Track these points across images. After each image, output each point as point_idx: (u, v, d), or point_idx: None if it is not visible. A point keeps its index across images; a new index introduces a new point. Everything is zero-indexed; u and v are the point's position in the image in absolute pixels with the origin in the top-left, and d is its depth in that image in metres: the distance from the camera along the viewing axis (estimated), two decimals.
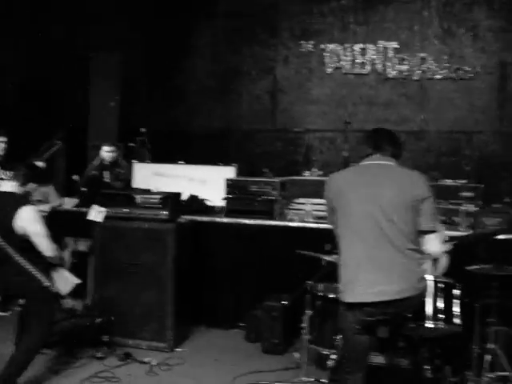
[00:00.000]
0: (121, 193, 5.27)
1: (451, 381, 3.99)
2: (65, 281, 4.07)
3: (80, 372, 4.26)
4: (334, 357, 3.56)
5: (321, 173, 7.08)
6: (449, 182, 6.24)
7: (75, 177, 5.87)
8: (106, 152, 6.36)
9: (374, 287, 2.77)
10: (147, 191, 5.17)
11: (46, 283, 3.86)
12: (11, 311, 5.29)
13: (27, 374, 3.96)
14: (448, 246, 3.72)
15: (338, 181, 3.06)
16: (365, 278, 2.79)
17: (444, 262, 3.73)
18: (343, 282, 2.90)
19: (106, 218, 4.92)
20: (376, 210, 2.82)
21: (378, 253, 2.80)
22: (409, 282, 2.81)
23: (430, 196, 2.88)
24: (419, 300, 2.97)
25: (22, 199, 3.95)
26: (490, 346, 3.81)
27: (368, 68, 7.52)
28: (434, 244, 2.89)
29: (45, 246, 3.86)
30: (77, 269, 5.68)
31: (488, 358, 3.77)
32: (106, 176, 6.37)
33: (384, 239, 2.80)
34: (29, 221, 3.79)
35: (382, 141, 3.05)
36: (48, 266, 3.97)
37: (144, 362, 4.46)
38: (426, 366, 3.33)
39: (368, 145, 3.07)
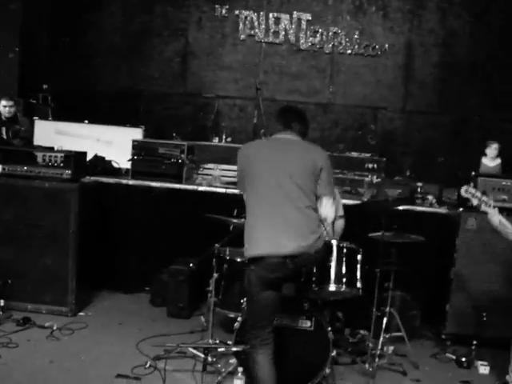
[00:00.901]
0: (20, 149, 4.98)
1: (351, 341, 4.20)
2: None
3: None
4: (239, 319, 3.59)
5: (229, 139, 7.08)
6: (354, 154, 6.46)
7: None
8: (4, 106, 5.99)
9: (274, 241, 2.98)
10: (49, 149, 4.90)
11: None
12: None
13: None
14: (341, 212, 4.12)
15: (249, 150, 3.27)
16: (266, 233, 3.01)
17: (340, 225, 4.10)
18: (247, 239, 3.10)
19: (3, 175, 4.63)
20: (281, 175, 3.08)
21: (280, 211, 3.04)
22: (306, 239, 3.02)
23: (329, 168, 3.14)
24: (316, 258, 3.13)
25: None
26: (387, 309, 4.05)
27: (281, 38, 7.56)
28: (327, 208, 3.13)
29: None
30: None
31: (385, 320, 4.00)
32: (4, 132, 6.00)
33: (286, 199, 3.05)
34: None
35: (292, 120, 3.26)
36: None
37: (44, 327, 4.29)
38: (327, 328, 3.45)
39: (278, 122, 3.27)
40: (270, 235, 3.00)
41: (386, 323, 4.01)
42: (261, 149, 3.26)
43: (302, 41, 7.50)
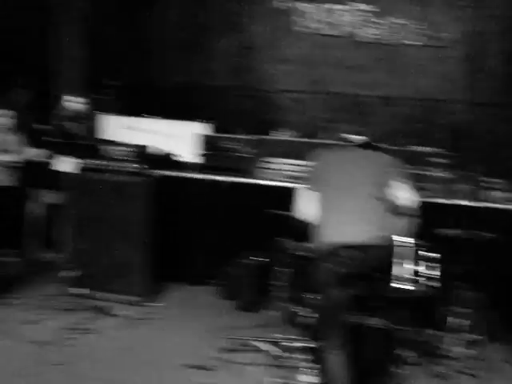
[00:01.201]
0: (90, 144, 5.14)
1: (422, 342, 4.13)
2: None
3: (52, 323, 4.22)
4: (307, 314, 3.61)
5: (291, 133, 7.07)
6: (418, 148, 6.34)
7: (41, 127, 5.67)
8: (74, 103, 6.18)
9: (344, 229, 3.07)
10: (118, 143, 5.05)
11: None
12: None
13: None
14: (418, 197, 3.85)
15: (325, 157, 3.50)
16: (336, 221, 3.12)
17: (414, 221, 3.86)
18: (318, 233, 3.19)
19: (75, 169, 4.80)
20: (355, 178, 3.25)
21: (352, 202, 3.16)
22: (378, 229, 3.09)
23: (399, 168, 3.38)
24: (387, 252, 3.11)
25: None
26: (458, 308, 3.96)
27: (342, 30, 7.47)
28: (406, 191, 3.25)
29: None
30: (46, 221, 5.62)
31: (458, 320, 3.92)
32: (74, 127, 6.20)
33: (359, 192, 3.17)
34: None
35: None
36: None
37: (116, 315, 4.44)
38: (400, 327, 3.42)
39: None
40: (338, 223, 3.12)
41: (460, 324, 3.94)
42: (335, 156, 3.51)
43: (363, 33, 7.38)
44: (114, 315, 4.46)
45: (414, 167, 5.51)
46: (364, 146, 3.55)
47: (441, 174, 5.20)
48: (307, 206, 3.41)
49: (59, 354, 3.75)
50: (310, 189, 3.46)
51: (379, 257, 3.15)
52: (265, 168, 5.63)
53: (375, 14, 7.31)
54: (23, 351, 3.75)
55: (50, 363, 3.62)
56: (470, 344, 4.09)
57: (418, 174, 5.36)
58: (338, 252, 3.02)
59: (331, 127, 7.13)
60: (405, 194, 3.28)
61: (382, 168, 3.35)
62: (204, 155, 5.36)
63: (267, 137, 6.64)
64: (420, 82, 7.26)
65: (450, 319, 3.87)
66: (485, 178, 4.99)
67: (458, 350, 3.96)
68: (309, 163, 3.54)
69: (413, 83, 7.27)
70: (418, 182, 5.14)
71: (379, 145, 3.73)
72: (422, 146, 6.42)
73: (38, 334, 4.02)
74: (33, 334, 4.01)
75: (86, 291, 4.71)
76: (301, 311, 3.97)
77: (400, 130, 7.24)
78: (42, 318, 4.33)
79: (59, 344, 3.89)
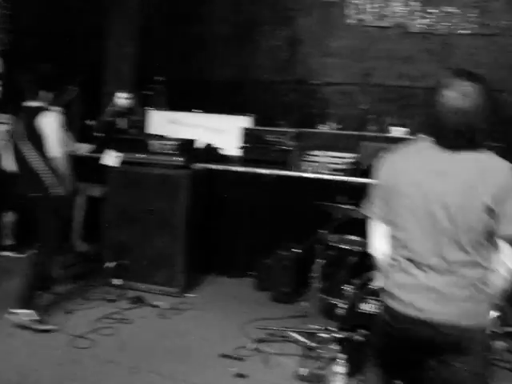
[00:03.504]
0: (136, 138, 5.26)
1: None
2: None
3: (93, 313, 4.34)
4: (341, 306, 3.57)
5: (337, 126, 6.99)
6: None
7: (90, 122, 5.84)
8: (122, 99, 6.32)
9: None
10: (162, 137, 5.14)
11: (54, 190, 4.02)
12: (27, 253, 5.38)
13: (41, 313, 4.08)
14: None
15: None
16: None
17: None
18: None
19: (121, 163, 4.91)
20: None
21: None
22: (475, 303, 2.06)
23: None
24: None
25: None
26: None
27: (390, 21, 7.31)
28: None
29: (51, 145, 4.02)
30: (91, 214, 5.79)
31: (496, 313, 3.75)
32: (122, 123, 6.35)
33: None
34: (48, 123, 4.01)
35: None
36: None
37: (155, 306, 4.53)
38: None
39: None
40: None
41: (498, 317, 3.78)
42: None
43: (412, 23, 7.20)
44: (153, 306, 4.54)
45: None
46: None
47: None
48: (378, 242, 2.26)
49: (97, 342, 3.86)
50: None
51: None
52: (308, 161, 5.59)
53: (424, 3, 7.11)
54: (63, 340, 3.87)
55: (88, 352, 3.72)
56: (509, 337, 3.95)
57: None
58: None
59: (380, 120, 7.05)
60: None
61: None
62: (248, 148, 5.37)
63: (311, 129, 6.59)
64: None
65: None
66: None
67: (495, 343, 3.81)
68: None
69: None
70: None
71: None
72: None
73: (78, 323, 4.14)
74: (73, 323, 4.14)
75: (126, 282, 4.81)
76: (338, 303, 3.94)
77: None
78: (83, 307, 4.46)
79: (98, 333, 3.99)
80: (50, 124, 4.02)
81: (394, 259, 2.10)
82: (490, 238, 1.96)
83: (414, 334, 2.01)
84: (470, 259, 1.96)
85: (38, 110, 4.05)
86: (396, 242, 2.10)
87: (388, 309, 2.09)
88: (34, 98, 4.09)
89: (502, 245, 1.97)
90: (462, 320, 1.95)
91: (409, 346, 2.04)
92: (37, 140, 4.02)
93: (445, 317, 1.96)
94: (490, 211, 1.91)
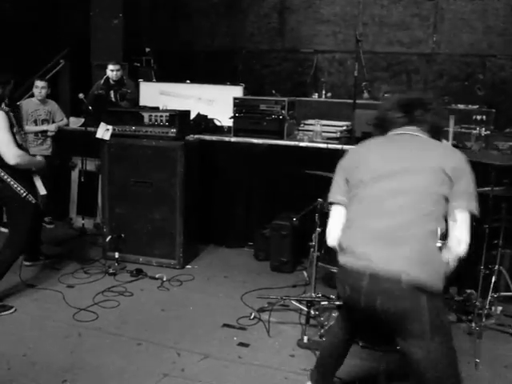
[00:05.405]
0: (128, 111, 5.20)
1: (457, 300, 4.09)
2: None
3: (93, 286, 4.36)
4: None
5: (329, 94, 6.97)
6: (461, 106, 6.15)
7: (81, 95, 5.75)
8: (112, 71, 6.24)
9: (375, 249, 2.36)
10: (155, 109, 5.09)
11: (21, 192, 3.84)
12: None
13: (41, 287, 4.08)
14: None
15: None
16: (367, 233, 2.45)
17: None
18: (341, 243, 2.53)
19: (114, 136, 4.86)
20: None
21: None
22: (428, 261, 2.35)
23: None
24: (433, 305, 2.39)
25: None
26: (496, 267, 3.88)
27: None
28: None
29: (6, 154, 3.73)
30: (86, 188, 5.77)
31: (493, 278, 3.84)
32: (112, 95, 6.28)
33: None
34: None
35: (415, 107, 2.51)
36: (24, 174, 3.91)
37: (155, 278, 4.55)
38: None
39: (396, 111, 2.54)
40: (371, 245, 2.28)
41: (495, 282, 3.84)
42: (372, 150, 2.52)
43: None
44: (153, 278, 4.56)
45: (456, 125, 5.38)
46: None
47: (483, 131, 5.02)
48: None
49: (99, 315, 3.87)
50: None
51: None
52: (302, 130, 5.58)
53: None
54: (65, 313, 3.88)
55: (89, 325, 3.74)
56: (505, 301, 4.04)
57: (460, 133, 5.21)
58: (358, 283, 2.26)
59: (372, 87, 7.02)
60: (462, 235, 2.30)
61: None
62: (240, 118, 5.34)
63: (304, 98, 6.56)
64: (463, 37, 6.99)
65: (484, 277, 3.77)
66: None
67: (493, 307, 3.89)
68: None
69: (456, 39, 7.01)
70: (459, 140, 5.02)
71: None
72: (465, 103, 6.23)
73: (78, 297, 4.16)
74: (74, 297, 4.15)
75: (125, 255, 4.82)
76: (335, 270, 3.97)
77: (443, 87, 7.03)
78: (83, 281, 4.48)
79: (99, 306, 4.01)
80: None
81: None
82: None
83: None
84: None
85: None
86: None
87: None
88: None
89: None
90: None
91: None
92: None
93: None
94: None
